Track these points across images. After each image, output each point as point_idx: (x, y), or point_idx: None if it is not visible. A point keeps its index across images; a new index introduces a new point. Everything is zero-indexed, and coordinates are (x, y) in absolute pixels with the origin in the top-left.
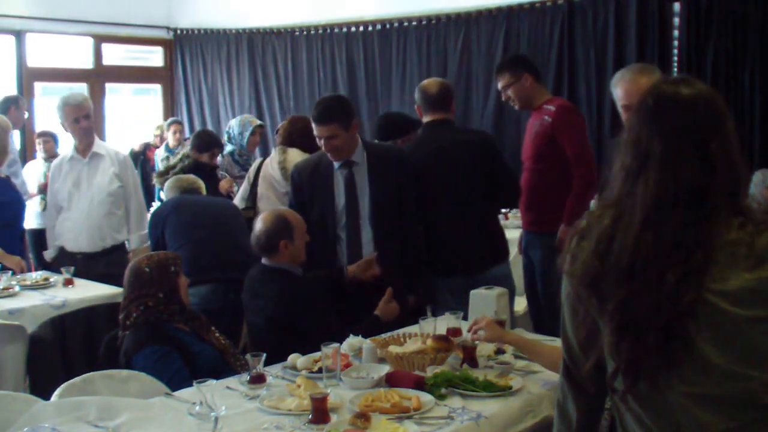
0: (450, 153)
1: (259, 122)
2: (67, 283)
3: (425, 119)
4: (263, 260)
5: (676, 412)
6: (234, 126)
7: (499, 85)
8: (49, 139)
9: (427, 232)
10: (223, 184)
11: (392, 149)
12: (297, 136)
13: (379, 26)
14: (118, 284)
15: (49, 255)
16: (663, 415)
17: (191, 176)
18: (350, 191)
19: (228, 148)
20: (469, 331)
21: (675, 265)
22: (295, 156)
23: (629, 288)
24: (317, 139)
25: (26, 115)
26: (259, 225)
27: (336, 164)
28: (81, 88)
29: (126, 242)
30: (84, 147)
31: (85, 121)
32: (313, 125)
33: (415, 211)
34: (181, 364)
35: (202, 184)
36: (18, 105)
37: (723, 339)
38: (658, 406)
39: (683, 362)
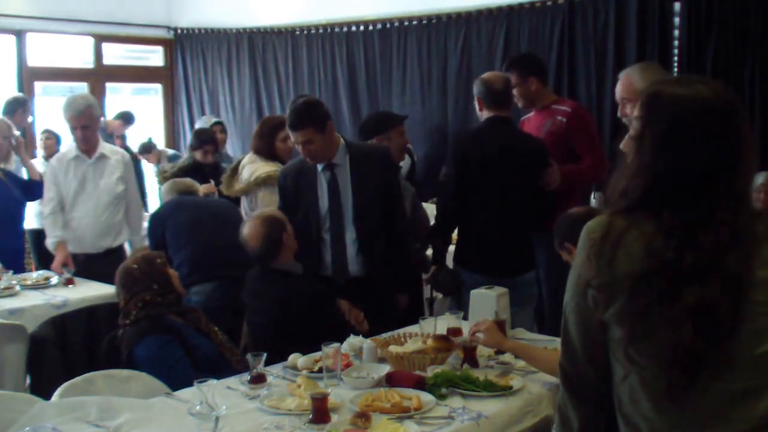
0: (509, 154)
1: (215, 119)
2: (68, 282)
3: (487, 114)
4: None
5: (699, 410)
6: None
7: None
8: (51, 136)
9: (469, 227)
10: (204, 188)
11: (375, 149)
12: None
13: (379, 26)
14: None
15: (51, 245)
16: (681, 416)
17: (188, 180)
18: (333, 193)
19: None
20: (470, 333)
21: (733, 254)
22: (246, 158)
23: (696, 285)
24: (295, 146)
25: (30, 119)
26: (253, 237)
27: (319, 167)
28: (81, 88)
29: (126, 243)
30: (87, 149)
31: (82, 131)
32: (288, 132)
33: (403, 210)
34: (182, 353)
35: (198, 187)
36: (25, 108)
37: (757, 330)
38: (677, 410)
39: (718, 364)
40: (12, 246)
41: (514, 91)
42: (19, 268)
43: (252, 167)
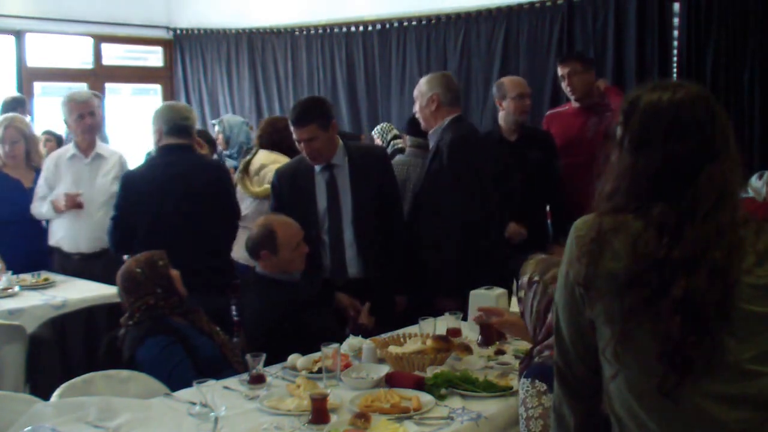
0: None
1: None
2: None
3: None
4: (256, 265)
5: (687, 412)
6: (233, 125)
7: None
8: (52, 137)
9: None
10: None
11: (374, 149)
12: (274, 137)
13: (378, 26)
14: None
15: (48, 210)
16: (672, 417)
17: (184, 106)
18: (332, 194)
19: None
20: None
21: (719, 248)
22: (262, 157)
23: (683, 278)
24: (297, 143)
25: (28, 119)
26: (253, 228)
27: (317, 167)
28: (81, 88)
29: None
30: (86, 146)
31: (90, 118)
32: (292, 128)
33: (401, 210)
34: (183, 355)
35: (195, 116)
36: (24, 109)
37: (739, 335)
38: (666, 409)
39: (708, 360)
40: (36, 247)
41: (574, 80)
42: (45, 266)
43: (275, 167)
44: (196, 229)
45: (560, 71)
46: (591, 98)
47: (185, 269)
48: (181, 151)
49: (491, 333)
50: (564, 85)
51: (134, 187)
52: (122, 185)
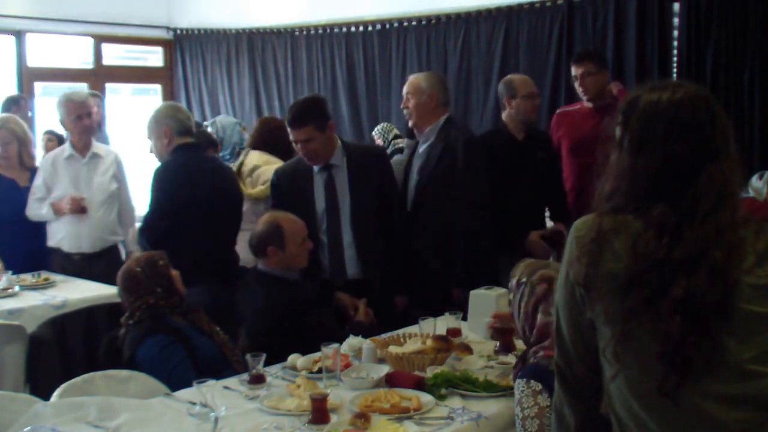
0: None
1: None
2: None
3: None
4: (258, 263)
5: (687, 412)
6: (226, 126)
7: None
8: (53, 137)
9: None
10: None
11: (372, 149)
12: (265, 137)
13: (378, 26)
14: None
15: (48, 212)
16: (672, 417)
17: (183, 107)
18: (330, 194)
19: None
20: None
21: (719, 249)
22: (254, 158)
23: (683, 279)
24: (293, 144)
25: (29, 114)
26: (257, 226)
27: (315, 168)
28: (81, 88)
29: (121, 243)
30: (83, 146)
31: (88, 119)
32: (288, 129)
33: (400, 210)
34: (184, 354)
35: (193, 120)
36: (19, 105)
37: (739, 336)
38: (666, 409)
39: (708, 360)
40: (36, 247)
41: (587, 81)
42: (45, 266)
43: (267, 168)
44: (222, 225)
45: (573, 71)
46: (603, 99)
47: (213, 264)
48: (200, 150)
49: (510, 339)
50: (576, 85)
51: (171, 182)
52: (159, 180)
